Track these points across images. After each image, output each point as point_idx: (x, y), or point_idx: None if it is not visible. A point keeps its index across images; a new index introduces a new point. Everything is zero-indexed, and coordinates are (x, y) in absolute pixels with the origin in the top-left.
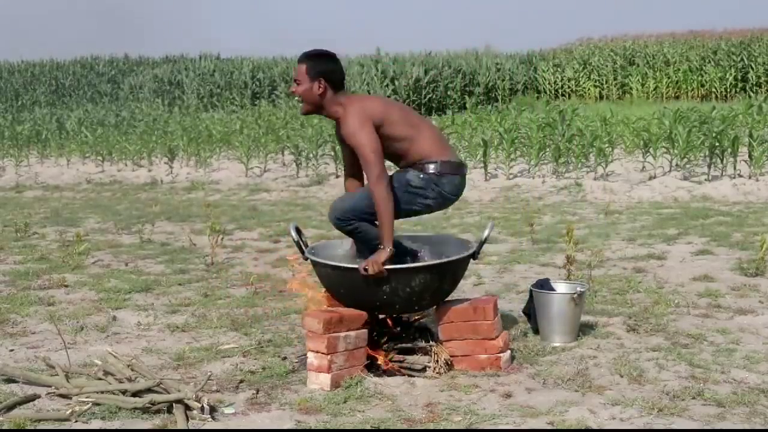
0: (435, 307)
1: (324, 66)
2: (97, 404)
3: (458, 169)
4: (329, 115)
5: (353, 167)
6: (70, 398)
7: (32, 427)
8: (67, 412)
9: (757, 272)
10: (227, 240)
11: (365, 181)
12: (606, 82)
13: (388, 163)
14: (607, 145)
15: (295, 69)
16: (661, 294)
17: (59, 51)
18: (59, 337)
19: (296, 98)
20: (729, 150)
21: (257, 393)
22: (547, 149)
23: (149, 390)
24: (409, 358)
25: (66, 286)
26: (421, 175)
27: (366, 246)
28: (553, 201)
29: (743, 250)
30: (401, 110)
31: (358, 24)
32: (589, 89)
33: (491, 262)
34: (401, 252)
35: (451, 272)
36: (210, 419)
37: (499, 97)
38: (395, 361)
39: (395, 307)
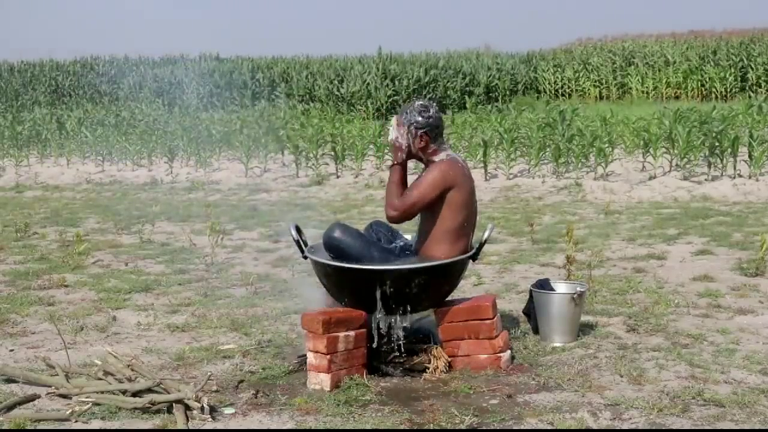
0: (435, 307)
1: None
2: (97, 404)
3: None
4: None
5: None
6: (70, 398)
7: (32, 427)
8: (67, 412)
9: (757, 272)
10: (227, 240)
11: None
12: (606, 82)
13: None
14: (607, 145)
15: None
16: (661, 294)
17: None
18: (59, 337)
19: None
20: (729, 150)
21: (257, 393)
22: (547, 149)
23: (149, 390)
24: (409, 359)
25: (66, 286)
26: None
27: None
28: (553, 201)
29: (743, 250)
30: (472, 200)
31: (359, 24)
32: (589, 89)
33: (491, 262)
34: (400, 252)
35: (451, 273)
36: (210, 419)
37: (499, 97)
38: (395, 362)
39: (395, 307)
